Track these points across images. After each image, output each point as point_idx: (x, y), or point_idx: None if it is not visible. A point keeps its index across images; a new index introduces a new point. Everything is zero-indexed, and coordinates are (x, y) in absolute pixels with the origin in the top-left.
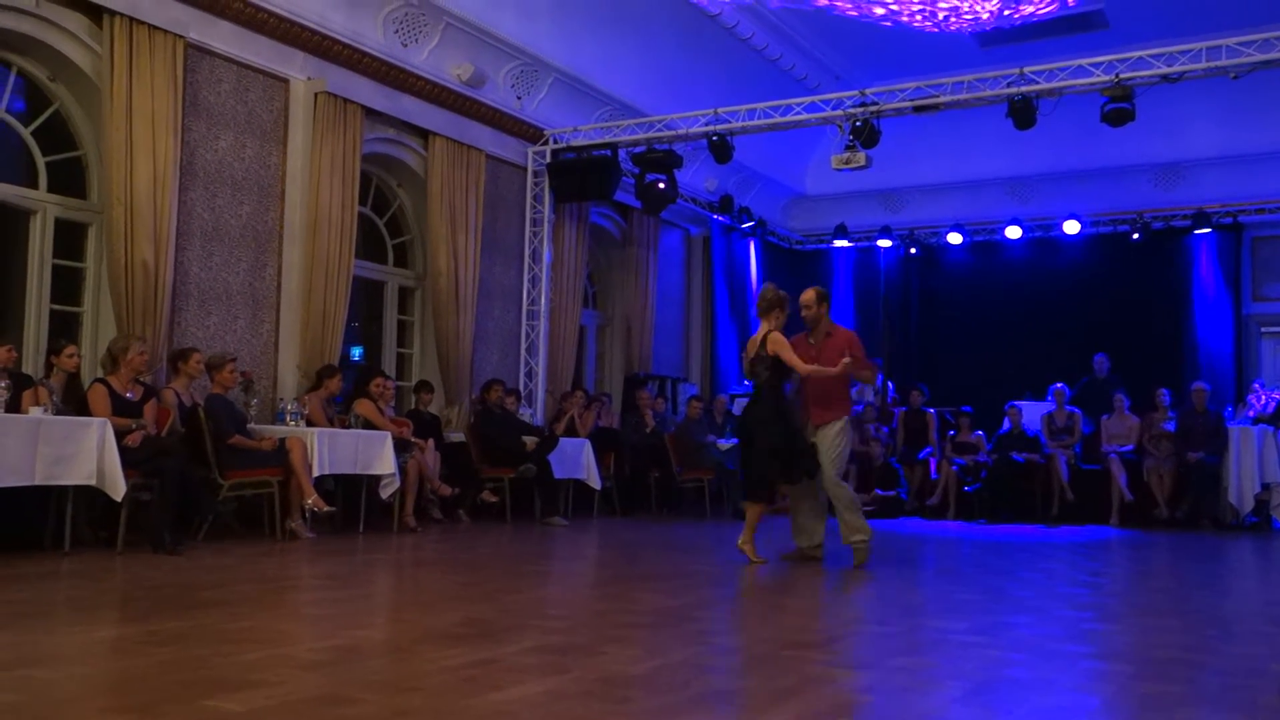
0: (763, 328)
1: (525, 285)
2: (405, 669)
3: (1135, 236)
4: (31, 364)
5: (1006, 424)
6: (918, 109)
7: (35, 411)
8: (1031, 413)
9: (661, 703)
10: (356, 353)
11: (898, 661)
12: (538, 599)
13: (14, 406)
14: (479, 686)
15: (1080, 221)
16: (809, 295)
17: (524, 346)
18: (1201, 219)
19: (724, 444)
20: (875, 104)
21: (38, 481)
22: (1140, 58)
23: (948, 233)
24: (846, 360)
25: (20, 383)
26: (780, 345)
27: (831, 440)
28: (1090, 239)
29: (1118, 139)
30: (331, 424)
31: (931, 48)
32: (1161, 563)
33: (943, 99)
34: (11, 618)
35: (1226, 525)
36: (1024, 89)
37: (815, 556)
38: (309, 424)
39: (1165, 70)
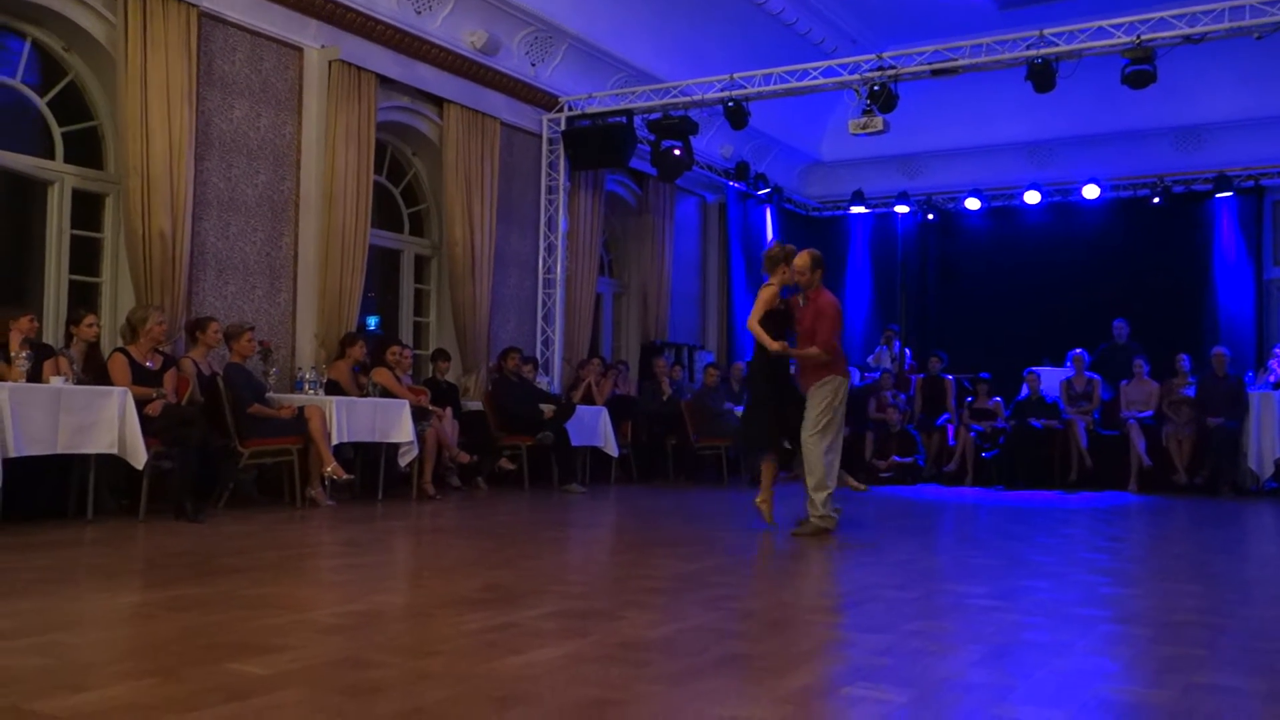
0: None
1: (541, 253)
2: (426, 633)
3: (1155, 200)
4: (52, 334)
5: (1025, 390)
6: (936, 72)
7: (56, 381)
8: (1050, 379)
9: (681, 666)
10: (373, 322)
11: (915, 625)
12: (556, 565)
13: (35, 376)
14: (499, 650)
15: (1100, 186)
16: (804, 260)
17: (540, 315)
18: (1223, 182)
19: (741, 411)
20: (893, 68)
21: (60, 450)
22: (1161, 18)
23: (966, 198)
24: (814, 351)
25: (41, 353)
26: (758, 307)
27: (817, 401)
28: (1110, 203)
29: (1138, 101)
30: (361, 391)
31: (949, 10)
32: (1180, 528)
33: (961, 62)
34: (37, 584)
35: (1246, 491)
36: (1043, 51)
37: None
38: (330, 392)
39: (1187, 31)
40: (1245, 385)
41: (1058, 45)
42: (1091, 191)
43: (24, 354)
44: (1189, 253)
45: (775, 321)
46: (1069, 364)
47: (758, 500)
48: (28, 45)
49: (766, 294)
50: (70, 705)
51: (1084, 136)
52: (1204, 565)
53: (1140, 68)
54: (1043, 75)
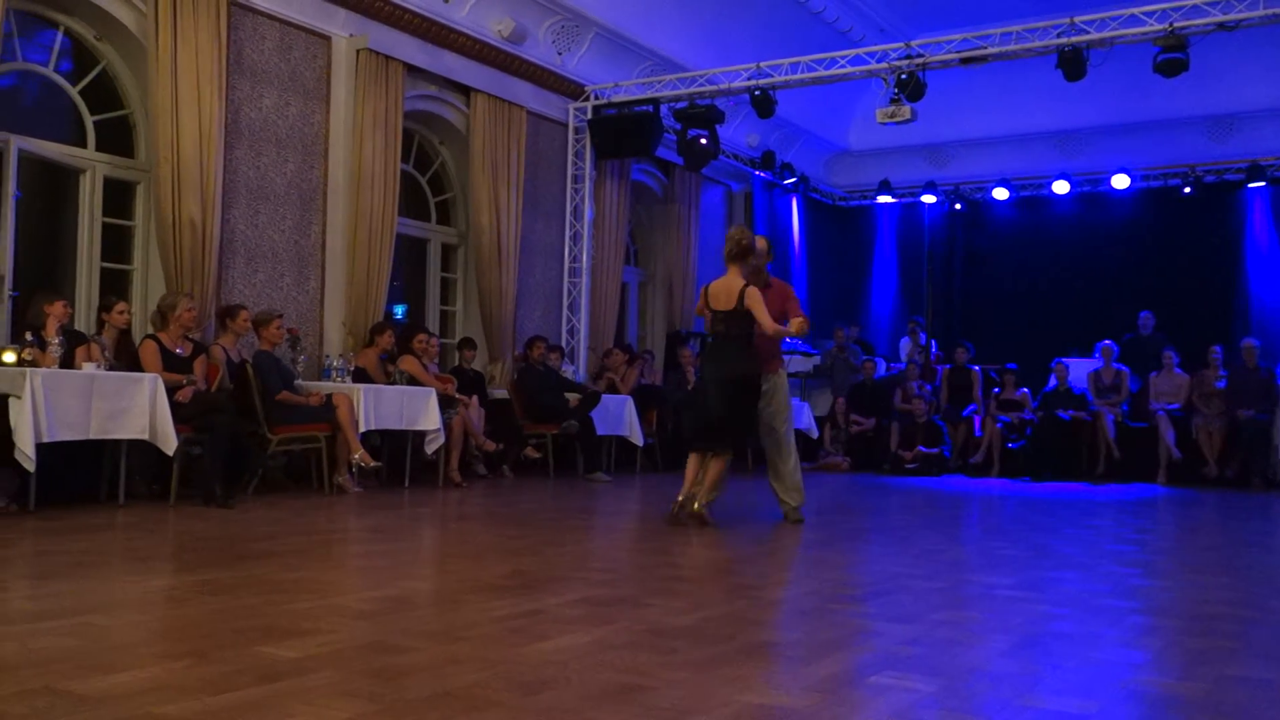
0: (733, 276)
1: (567, 242)
2: (454, 619)
3: (1186, 190)
4: (84, 321)
5: (1052, 381)
6: (965, 61)
7: (89, 367)
8: (1078, 370)
9: (708, 653)
10: (399, 310)
11: (942, 615)
12: (582, 552)
13: (68, 362)
14: (527, 636)
15: (1130, 175)
16: (764, 243)
17: (566, 303)
18: (1255, 172)
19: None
20: (921, 56)
21: (92, 436)
22: (1194, 5)
23: (994, 188)
24: (799, 321)
25: (74, 339)
26: (757, 302)
27: (785, 388)
28: (1140, 193)
29: (1169, 90)
30: (388, 379)
31: None
32: (1210, 520)
33: (990, 50)
34: (70, 567)
35: (1277, 483)
36: (1074, 39)
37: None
38: (357, 380)
39: (1220, 18)
40: (1276, 377)
41: (1089, 33)
42: (1121, 181)
43: (57, 340)
44: (1220, 243)
45: (747, 318)
46: (1097, 355)
47: (704, 500)
48: (60, 34)
49: (756, 293)
50: (103, 686)
51: (1114, 125)
52: (1234, 558)
53: (1173, 55)
54: (1073, 63)
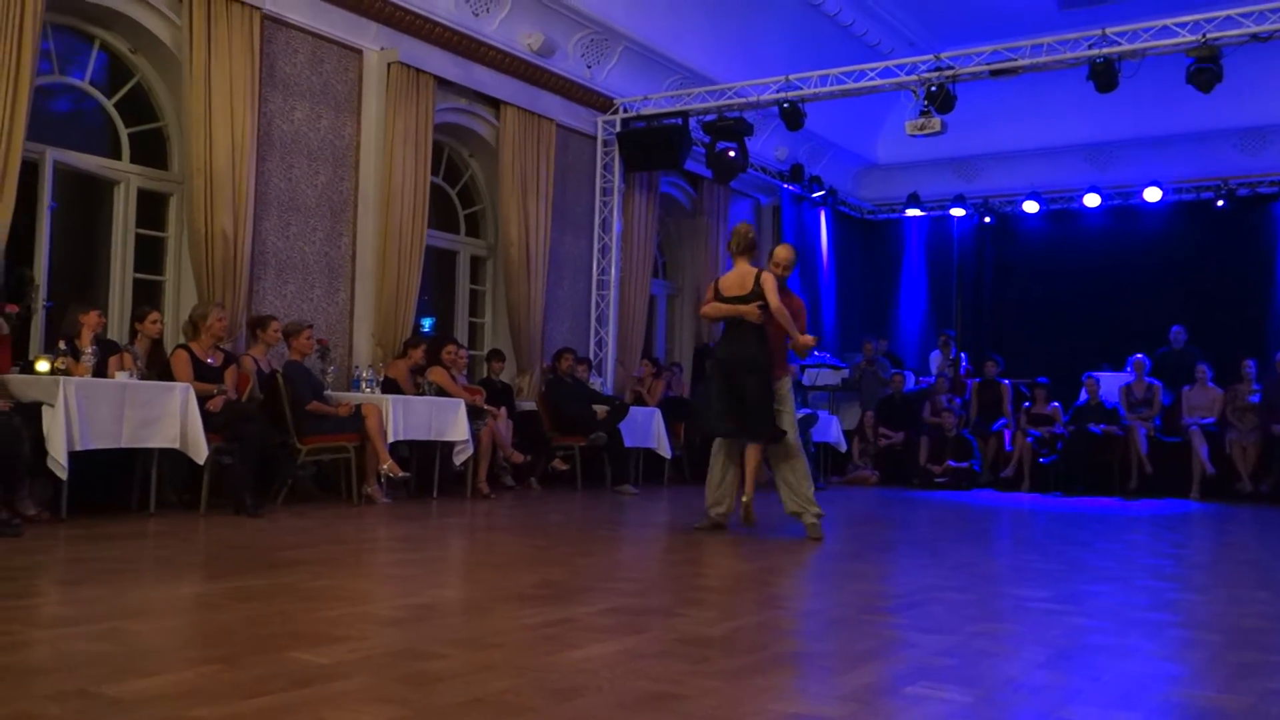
0: (744, 266)
1: (595, 255)
2: (485, 627)
3: (1220, 204)
4: (117, 330)
5: (1084, 395)
6: (995, 73)
7: (121, 376)
8: (1110, 384)
9: (741, 663)
10: (427, 323)
11: (976, 627)
12: (611, 563)
13: (101, 371)
14: (558, 645)
15: (1162, 189)
16: (790, 255)
17: (594, 316)
18: None
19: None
20: (951, 68)
21: (124, 444)
22: (1228, 16)
23: (1024, 201)
24: (807, 338)
25: (107, 348)
26: (770, 286)
27: (790, 398)
28: (1172, 207)
29: (1202, 103)
30: (417, 390)
31: (1009, 10)
32: (1246, 536)
33: (1021, 62)
34: (102, 573)
35: None
36: (1106, 50)
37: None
38: (387, 390)
39: (1254, 29)
40: None
41: (1120, 44)
42: (1153, 194)
43: (91, 349)
44: (1253, 256)
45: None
46: (1129, 369)
47: (747, 500)
48: (95, 48)
49: (772, 279)
50: (136, 689)
51: (1145, 138)
52: (1272, 572)
53: (1206, 67)
54: (1105, 75)
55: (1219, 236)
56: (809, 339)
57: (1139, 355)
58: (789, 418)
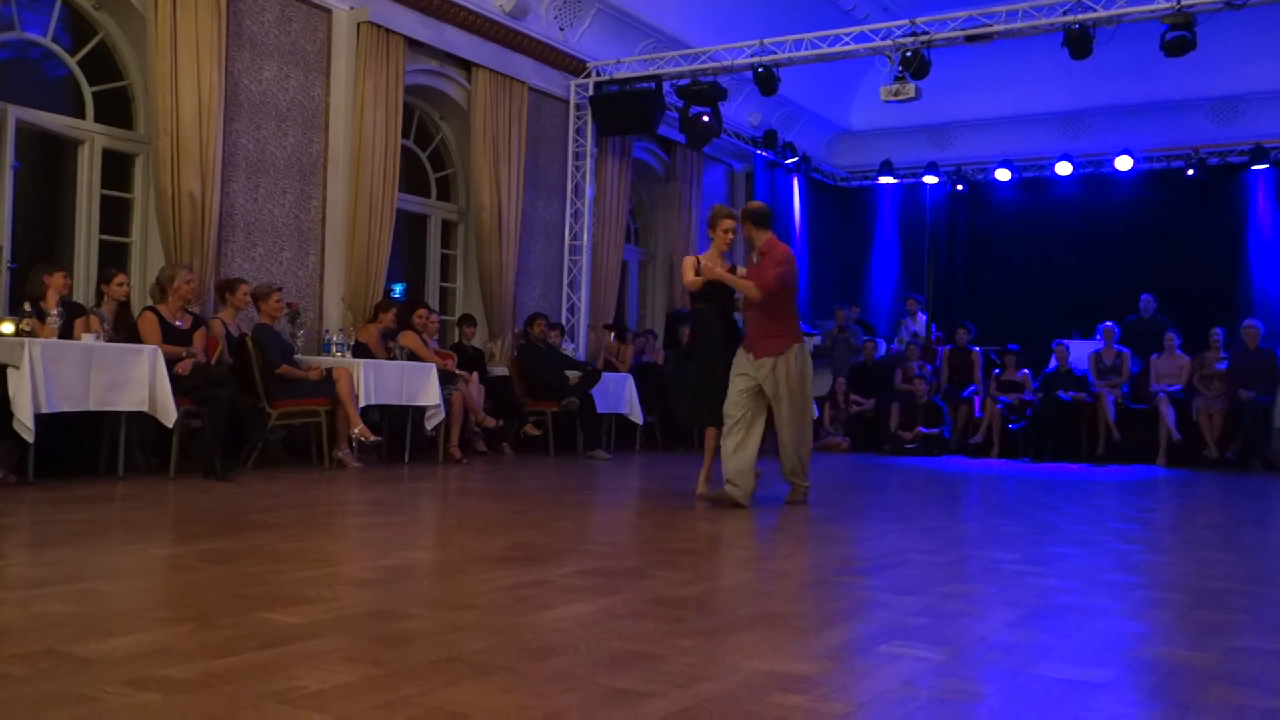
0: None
1: (568, 220)
2: (457, 588)
3: (1190, 173)
4: (82, 293)
5: (1053, 362)
6: (970, 39)
7: (88, 338)
8: (1079, 351)
9: (715, 623)
10: (398, 289)
11: (948, 588)
12: (584, 526)
13: (67, 333)
14: (532, 605)
15: (1133, 157)
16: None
17: (566, 281)
18: (1259, 154)
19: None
20: (926, 34)
21: (91, 407)
22: None
23: (996, 169)
24: (749, 285)
25: (73, 310)
26: (688, 266)
27: (810, 364)
28: (1143, 175)
29: (1174, 72)
30: (388, 355)
31: None
32: (1212, 500)
33: (996, 28)
34: (71, 536)
35: (1277, 465)
36: (1081, 16)
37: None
38: (358, 354)
39: None
40: (1277, 359)
41: (1095, 10)
42: (1125, 163)
43: (56, 311)
44: (1223, 226)
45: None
46: (1098, 337)
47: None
48: (58, 4)
49: (691, 262)
50: (105, 649)
51: (1118, 107)
52: (1237, 536)
53: (1180, 34)
54: (1079, 41)
55: (1189, 205)
56: (744, 283)
57: (1108, 323)
58: (809, 386)
